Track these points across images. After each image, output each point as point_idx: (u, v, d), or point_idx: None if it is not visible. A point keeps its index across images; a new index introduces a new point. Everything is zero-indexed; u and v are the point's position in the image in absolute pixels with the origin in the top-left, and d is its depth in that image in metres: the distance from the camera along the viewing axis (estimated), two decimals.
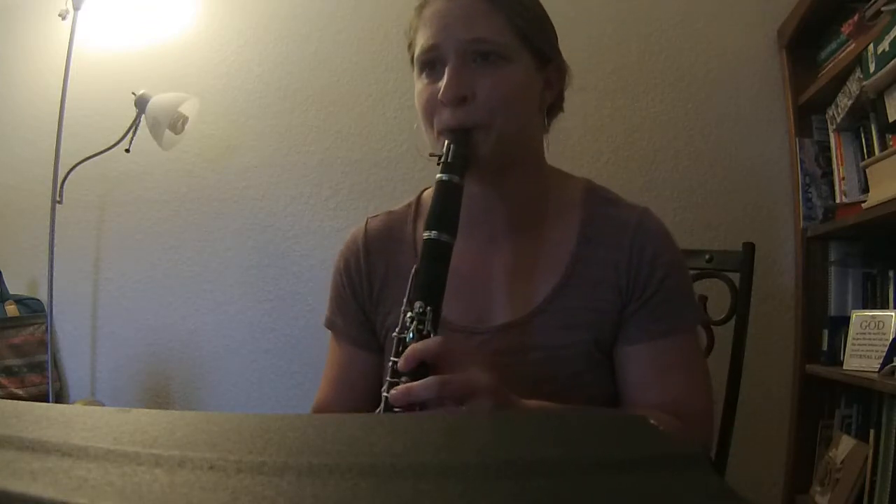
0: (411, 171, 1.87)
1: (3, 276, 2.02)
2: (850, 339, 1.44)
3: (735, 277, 1.26)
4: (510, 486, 0.30)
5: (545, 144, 0.93)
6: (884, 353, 1.31)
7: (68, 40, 1.88)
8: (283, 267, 1.95)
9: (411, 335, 0.73)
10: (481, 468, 0.32)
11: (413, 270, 0.77)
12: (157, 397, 1.98)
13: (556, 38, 0.90)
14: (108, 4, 2.02)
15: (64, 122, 1.86)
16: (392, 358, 0.74)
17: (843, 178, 1.58)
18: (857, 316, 1.45)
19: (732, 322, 1.25)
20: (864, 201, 1.42)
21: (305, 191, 1.95)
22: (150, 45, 2.03)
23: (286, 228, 1.95)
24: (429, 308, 0.74)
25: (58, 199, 1.85)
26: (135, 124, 1.83)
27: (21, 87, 2.11)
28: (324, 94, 1.96)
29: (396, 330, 0.75)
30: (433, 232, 0.77)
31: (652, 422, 0.39)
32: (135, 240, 2.02)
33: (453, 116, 0.81)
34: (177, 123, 1.82)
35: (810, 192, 1.69)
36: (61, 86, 1.86)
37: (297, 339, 1.93)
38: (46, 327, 1.94)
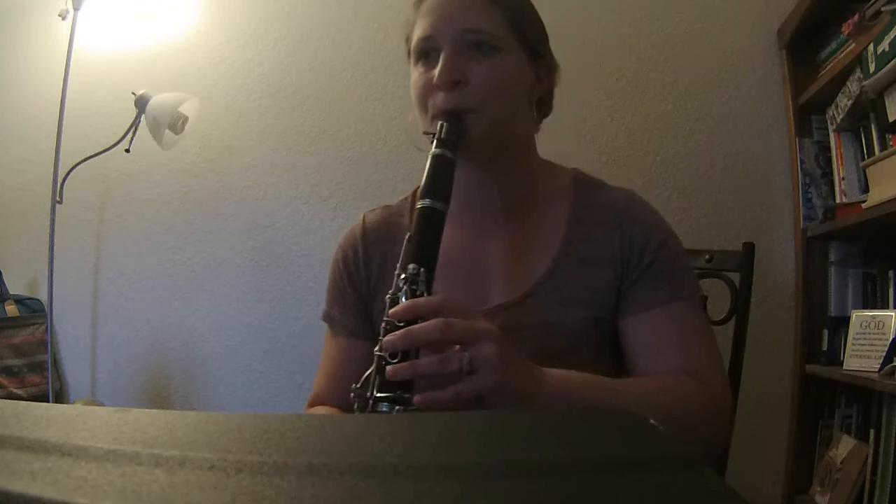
0: (411, 172, 1.87)
1: (3, 276, 2.02)
2: (850, 339, 1.44)
3: (735, 277, 1.26)
4: (510, 486, 0.30)
5: (536, 139, 0.96)
6: (884, 353, 1.31)
7: (68, 40, 1.88)
8: (283, 267, 1.95)
9: (404, 296, 0.74)
10: (481, 468, 0.32)
11: (406, 237, 0.79)
12: (157, 397, 1.98)
13: (547, 38, 0.94)
14: (108, 4, 2.02)
15: (64, 122, 1.86)
16: (385, 317, 0.73)
17: (843, 178, 1.58)
18: (857, 316, 1.45)
19: (732, 322, 1.25)
20: (864, 201, 1.42)
21: (305, 191, 1.95)
22: (150, 45, 2.03)
23: (286, 228, 1.95)
24: (422, 270, 0.75)
25: (58, 199, 1.85)
26: (135, 124, 1.83)
27: (21, 87, 2.11)
28: (324, 94, 1.96)
29: (390, 292, 0.76)
30: (427, 200, 0.79)
31: (652, 421, 0.40)
32: (135, 240, 2.02)
33: (446, 99, 0.84)
34: (177, 123, 1.82)
35: (810, 192, 1.69)
36: (61, 86, 1.86)
37: (297, 339, 1.93)
38: (46, 327, 1.94)
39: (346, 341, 0.98)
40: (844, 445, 1.46)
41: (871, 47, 1.33)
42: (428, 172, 0.82)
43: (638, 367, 0.88)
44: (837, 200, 1.61)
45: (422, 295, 0.74)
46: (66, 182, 1.85)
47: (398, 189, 1.90)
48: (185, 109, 1.82)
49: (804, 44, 1.71)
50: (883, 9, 1.32)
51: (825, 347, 1.58)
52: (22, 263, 2.06)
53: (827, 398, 1.61)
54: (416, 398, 0.68)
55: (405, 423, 0.47)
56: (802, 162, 1.70)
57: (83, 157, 1.86)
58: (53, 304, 1.88)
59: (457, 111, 0.84)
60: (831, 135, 1.65)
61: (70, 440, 0.35)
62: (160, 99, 1.79)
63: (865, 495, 1.34)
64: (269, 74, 1.99)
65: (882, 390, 1.31)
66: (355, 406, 0.73)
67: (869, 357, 1.36)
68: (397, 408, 0.69)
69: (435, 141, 0.83)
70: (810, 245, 1.67)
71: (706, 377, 0.84)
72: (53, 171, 1.84)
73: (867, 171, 1.43)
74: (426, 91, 0.87)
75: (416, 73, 0.89)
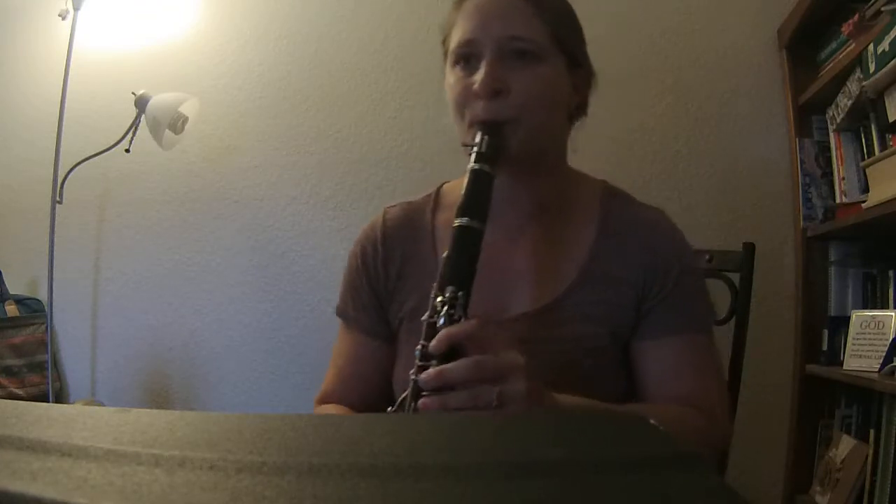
0: (411, 171, 1.87)
1: (3, 276, 2.02)
2: (850, 339, 1.44)
3: (735, 277, 1.26)
4: (510, 486, 0.30)
5: (569, 146, 0.95)
6: (884, 353, 1.31)
7: (68, 40, 1.88)
8: (283, 267, 1.95)
9: (442, 320, 0.74)
10: (481, 468, 0.32)
11: (443, 256, 0.78)
12: (157, 397, 1.98)
13: (585, 45, 0.94)
14: (108, 4, 2.02)
15: (64, 122, 1.86)
16: (422, 342, 0.74)
17: (843, 178, 1.58)
18: (857, 316, 1.45)
19: (732, 322, 1.25)
20: (864, 201, 1.42)
21: (305, 191, 1.95)
22: (150, 45, 2.03)
23: (286, 228, 1.95)
24: (460, 293, 0.75)
25: (58, 199, 1.85)
26: (135, 124, 1.83)
27: (21, 87, 2.11)
28: (324, 94, 1.96)
29: (426, 314, 0.76)
30: (465, 219, 0.78)
31: (652, 422, 0.40)
32: (135, 240, 2.02)
33: (486, 109, 0.83)
34: (177, 123, 1.82)
35: (810, 192, 1.69)
36: (61, 86, 1.86)
37: (297, 339, 1.93)
38: (46, 327, 1.94)
39: (360, 338, 0.97)
40: (844, 445, 1.46)
41: (871, 47, 1.33)
42: (466, 189, 0.80)
43: (646, 392, 0.88)
44: (837, 200, 1.61)
45: (460, 319, 0.74)
46: (66, 182, 1.85)
47: (398, 189, 1.90)
48: (185, 109, 1.82)
49: (804, 44, 1.71)
50: (883, 9, 1.32)
51: (825, 347, 1.58)
52: (22, 263, 2.06)
53: (827, 398, 1.61)
54: None
55: (405, 423, 0.47)
56: (802, 162, 1.70)
57: (83, 157, 1.86)
58: (53, 304, 1.88)
59: (497, 121, 0.83)
60: (831, 135, 1.65)
61: (70, 440, 0.35)
62: (160, 99, 1.79)
63: (865, 495, 1.34)
64: (269, 74, 1.99)
65: (882, 390, 1.31)
66: None
67: (869, 357, 1.36)
68: None
69: (474, 154, 0.81)
70: (810, 245, 1.67)
71: (709, 410, 0.85)
72: (53, 171, 1.84)
73: (867, 171, 1.43)
74: (464, 98, 0.85)
75: (453, 77, 0.87)
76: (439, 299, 0.75)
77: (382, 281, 0.96)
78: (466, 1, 0.87)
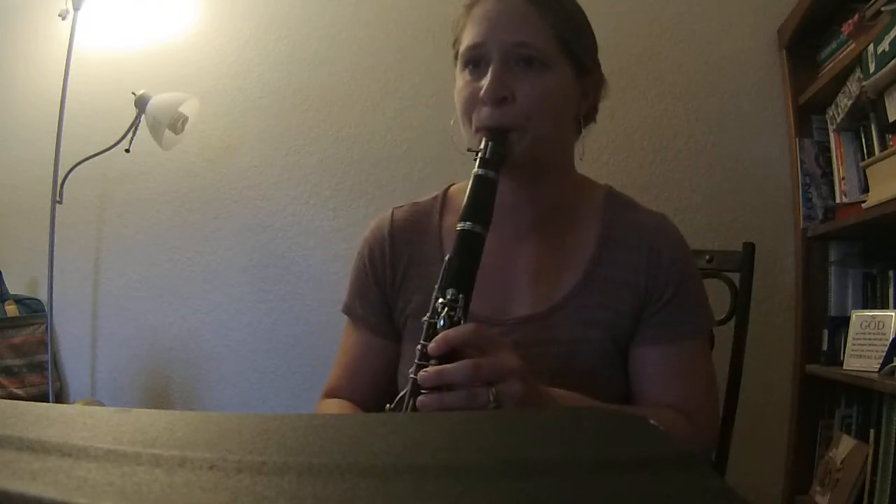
0: (411, 171, 1.87)
1: (3, 276, 2.02)
2: (850, 339, 1.44)
3: (735, 277, 1.26)
4: (510, 486, 0.30)
5: (577, 152, 0.97)
6: (884, 353, 1.31)
7: (68, 40, 1.88)
8: (283, 267, 1.95)
9: (442, 321, 0.75)
10: (481, 468, 0.32)
11: (446, 259, 0.79)
12: (157, 397, 1.98)
13: (597, 51, 0.95)
14: (108, 4, 2.02)
15: (64, 122, 1.86)
16: (422, 341, 0.75)
17: (843, 178, 1.58)
18: (857, 316, 1.45)
19: (732, 322, 1.25)
20: (864, 201, 1.42)
21: (305, 191, 1.95)
22: (150, 45, 2.03)
23: (286, 228, 1.95)
24: (461, 295, 0.76)
25: (58, 199, 1.85)
26: (135, 124, 1.83)
27: (21, 87, 2.11)
28: (324, 94, 1.96)
29: (427, 315, 0.77)
30: (467, 223, 0.79)
31: (652, 422, 0.40)
32: (135, 240, 2.02)
33: (492, 116, 0.84)
34: (177, 123, 1.82)
35: (810, 192, 1.69)
36: (61, 86, 1.86)
37: (297, 339, 1.93)
38: (46, 327, 1.94)
39: (366, 336, 0.99)
40: (844, 445, 1.46)
41: (871, 47, 1.33)
42: (470, 193, 0.81)
43: (638, 394, 0.91)
44: (837, 200, 1.61)
45: (459, 321, 0.76)
46: (66, 182, 1.85)
47: (398, 188, 1.91)
48: (185, 109, 1.82)
49: (804, 44, 1.71)
50: (883, 9, 1.32)
51: (825, 347, 1.58)
52: (22, 263, 2.06)
53: (827, 398, 1.61)
54: None
55: (405, 423, 0.47)
56: (802, 162, 1.70)
57: (83, 157, 1.86)
58: (53, 304, 1.88)
59: (502, 128, 0.84)
60: (831, 135, 1.65)
61: (70, 440, 0.35)
62: (160, 99, 1.79)
63: (865, 495, 1.34)
64: (269, 74, 1.99)
65: (882, 390, 1.31)
66: None
67: (869, 357, 1.36)
68: None
69: (478, 160, 0.82)
70: (810, 245, 1.67)
71: (695, 415, 0.88)
72: (53, 171, 1.84)
73: (867, 171, 1.43)
74: (471, 102, 0.86)
75: (461, 80, 0.88)
76: (440, 301, 0.77)
77: (389, 280, 0.97)
78: (476, 5, 0.88)
